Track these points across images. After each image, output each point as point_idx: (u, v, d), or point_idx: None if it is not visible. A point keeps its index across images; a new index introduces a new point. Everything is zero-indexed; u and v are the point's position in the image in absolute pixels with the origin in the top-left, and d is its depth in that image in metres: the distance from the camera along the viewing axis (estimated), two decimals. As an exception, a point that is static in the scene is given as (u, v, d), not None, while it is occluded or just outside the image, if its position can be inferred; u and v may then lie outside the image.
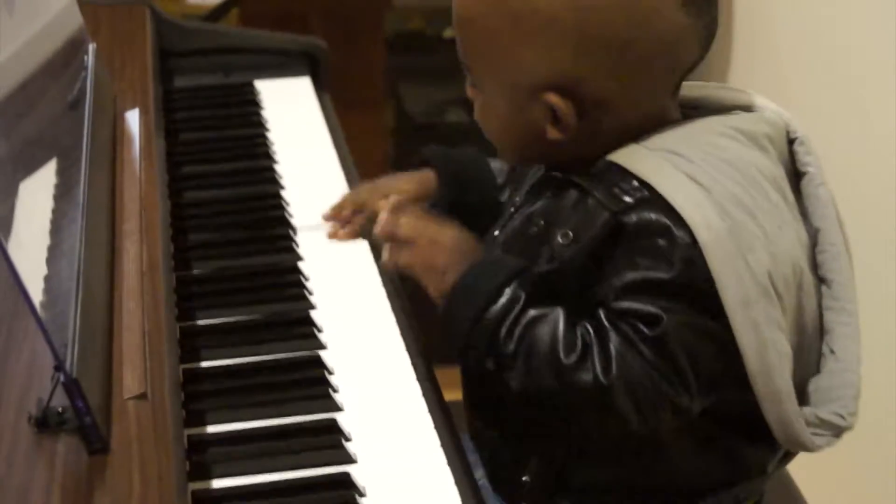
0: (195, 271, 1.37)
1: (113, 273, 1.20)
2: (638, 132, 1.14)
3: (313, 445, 1.13)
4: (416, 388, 1.21)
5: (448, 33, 2.93)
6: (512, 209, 1.24)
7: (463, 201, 1.35)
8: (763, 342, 1.09)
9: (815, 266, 1.18)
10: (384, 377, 1.22)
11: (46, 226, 1.12)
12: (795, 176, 1.20)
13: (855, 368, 1.17)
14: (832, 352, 1.17)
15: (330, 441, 1.13)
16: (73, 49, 1.44)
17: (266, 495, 1.08)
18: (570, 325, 1.09)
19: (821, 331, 1.18)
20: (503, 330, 1.10)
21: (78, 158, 1.27)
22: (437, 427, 1.15)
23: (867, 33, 1.98)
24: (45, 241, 1.10)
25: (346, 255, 1.41)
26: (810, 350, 1.17)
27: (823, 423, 1.14)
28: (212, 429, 1.14)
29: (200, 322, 1.29)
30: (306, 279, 1.36)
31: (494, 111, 1.18)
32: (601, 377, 1.07)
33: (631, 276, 1.09)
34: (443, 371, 1.28)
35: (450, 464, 1.12)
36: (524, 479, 1.18)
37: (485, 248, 1.20)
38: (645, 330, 1.07)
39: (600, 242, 1.10)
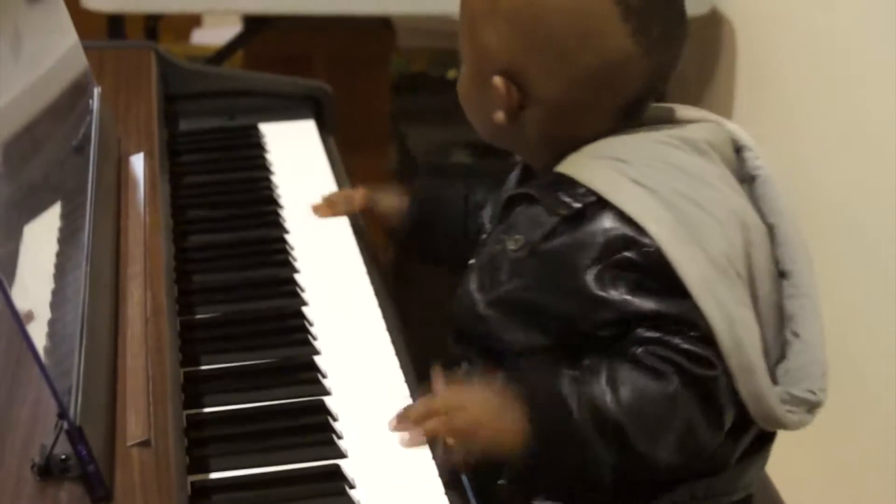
0: (199, 316, 1.37)
1: (117, 318, 1.20)
2: (583, 143, 1.23)
3: (317, 492, 1.12)
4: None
5: (452, 74, 2.94)
6: (484, 236, 1.31)
7: (426, 225, 1.48)
8: (731, 318, 1.14)
9: (774, 260, 1.24)
10: (386, 422, 1.21)
11: (50, 270, 1.12)
12: (747, 181, 1.27)
13: (820, 347, 1.23)
14: (796, 335, 1.22)
15: (334, 488, 1.12)
16: (78, 92, 1.45)
17: (270, 543, 1.07)
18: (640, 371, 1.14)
19: (782, 320, 1.23)
20: (599, 417, 1.13)
21: (82, 202, 1.26)
22: (442, 476, 1.15)
23: (867, 49, 1.98)
24: (50, 285, 1.10)
25: (351, 300, 1.41)
26: (770, 337, 1.21)
27: (796, 400, 1.19)
28: (215, 475, 1.13)
29: (204, 367, 1.28)
30: (311, 324, 1.36)
31: (464, 87, 1.29)
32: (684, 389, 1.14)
33: (635, 307, 1.15)
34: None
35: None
36: (500, 482, 1.20)
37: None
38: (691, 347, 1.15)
39: (555, 249, 1.19)
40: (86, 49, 1.54)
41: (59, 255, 1.15)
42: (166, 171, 1.60)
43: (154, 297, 1.23)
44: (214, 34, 3.27)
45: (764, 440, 1.25)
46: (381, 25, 2.75)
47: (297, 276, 1.45)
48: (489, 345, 1.25)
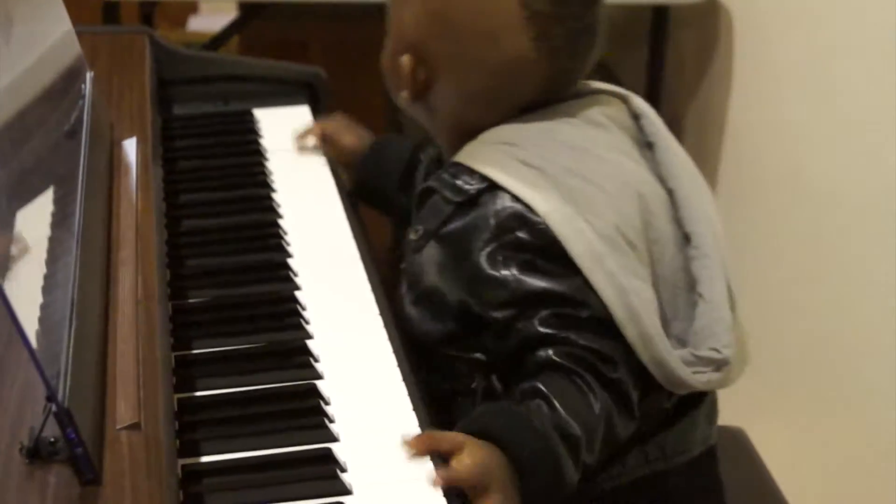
0: (191, 300, 1.36)
1: (108, 302, 1.20)
2: (484, 131, 1.28)
3: (308, 476, 1.11)
4: (412, 419, 1.20)
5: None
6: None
7: (374, 165, 1.58)
8: (622, 289, 1.17)
9: (678, 224, 1.27)
10: (381, 407, 1.21)
11: (42, 255, 1.12)
12: (649, 148, 1.32)
13: (723, 305, 1.24)
14: (701, 296, 1.24)
15: (325, 472, 1.12)
16: (70, 78, 1.44)
17: (260, 527, 1.07)
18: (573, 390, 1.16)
19: (692, 282, 1.25)
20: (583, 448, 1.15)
21: (74, 187, 1.26)
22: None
23: (865, 39, 1.98)
24: (41, 270, 1.09)
25: (344, 284, 1.41)
26: (681, 301, 1.24)
27: (701, 360, 1.21)
28: (206, 459, 1.13)
29: (196, 351, 1.28)
30: (303, 308, 1.35)
31: (385, 59, 1.35)
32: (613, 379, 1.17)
33: (530, 288, 1.18)
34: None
35: (446, 496, 1.11)
36: None
37: None
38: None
39: (451, 233, 1.23)
40: (79, 34, 1.53)
41: (51, 239, 1.15)
42: (159, 155, 1.60)
43: (145, 282, 1.22)
44: (211, 21, 3.27)
45: (700, 395, 1.28)
46: (377, 12, 2.74)
47: (290, 261, 1.44)
48: (415, 342, 1.29)
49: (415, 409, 1.21)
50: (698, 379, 1.21)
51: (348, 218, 1.56)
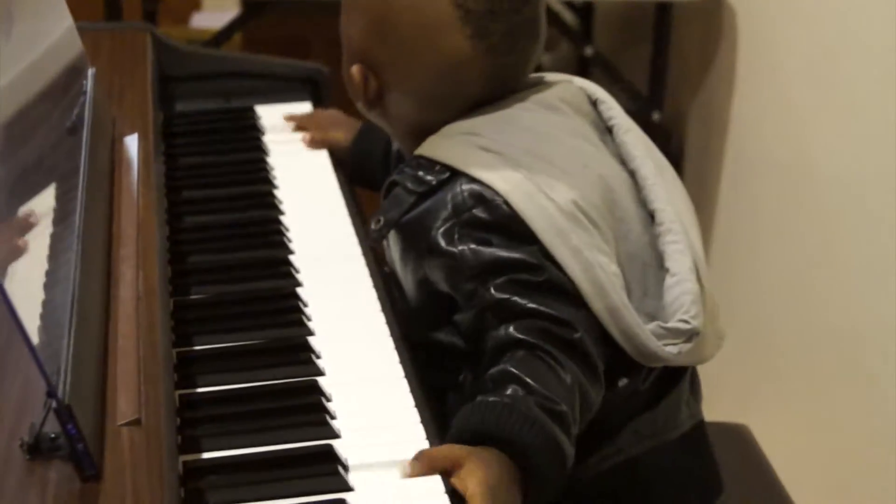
0: (192, 296, 1.36)
1: (109, 298, 1.19)
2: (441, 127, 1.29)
3: (310, 473, 1.11)
4: (414, 416, 1.19)
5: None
6: None
7: (363, 146, 1.63)
8: (587, 263, 1.19)
9: (642, 203, 1.29)
10: (382, 404, 1.21)
11: (44, 251, 1.12)
12: (608, 132, 1.34)
13: (689, 277, 1.25)
14: (668, 270, 1.26)
15: (327, 469, 1.11)
16: (72, 74, 1.44)
17: (261, 523, 1.07)
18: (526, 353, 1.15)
19: (659, 261, 1.27)
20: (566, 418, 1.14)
21: (75, 184, 1.26)
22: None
23: (868, 35, 1.97)
24: (43, 266, 1.09)
25: (346, 281, 1.41)
26: (650, 278, 1.26)
27: (670, 332, 1.22)
28: (207, 455, 1.12)
29: (198, 347, 1.28)
30: (305, 305, 1.35)
31: (343, 70, 1.37)
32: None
33: (485, 257, 1.19)
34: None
35: (448, 492, 1.10)
36: None
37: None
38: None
39: (411, 220, 1.25)
40: (81, 31, 1.53)
41: (51, 235, 1.15)
42: (161, 152, 1.60)
43: (146, 278, 1.22)
44: (214, 18, 3.27)
45: (680, 371, 1.29)
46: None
47: (291, 258, 1.44)
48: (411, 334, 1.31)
49: (416, 405, 1.21)
50: (669, 351, 1.22)
51: (350, 214, 1.55)
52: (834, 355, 2.10)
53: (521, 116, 1.29)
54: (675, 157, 2.69)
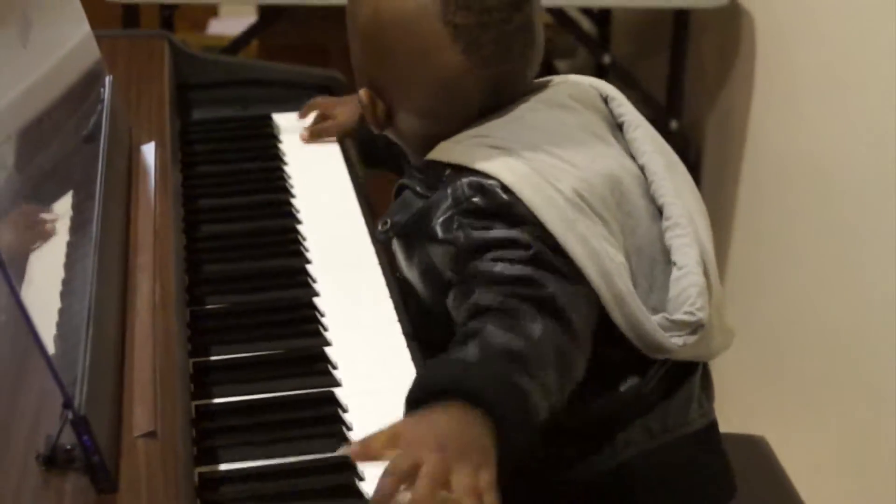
0: (209, 306, 1.36)
1: (125, 308, 1.19)
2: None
3: (326, 484, 1.11)
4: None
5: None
6: None
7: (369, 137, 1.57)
8: (595, 252, 1.19)
9: (651, 198, 1.30)
10: (399, 415, 1.20)
11: (60, 260, 1.11)
12: (620, 128, 1.35)
13: (695, 270, 1.25)
14: (675, 264, 1.26)
15: (343, 480, 1.11)
16: (89, 82, 1.44)
17: (278, 536, 1.06)
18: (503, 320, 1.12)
19: (667, 255, 1.27)
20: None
21: (92, 192, 1.26)
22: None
23: (885, 43, 1.97)
24: (60, 275, 1.09)
25: (362, 290, 1.40)
26: (658, 272, 1.26)
27: (676, 324, 1.22)
28: (223, 467, 1.12)
29: (214, 358, 1.27)
30: (322, 315, 1.35)
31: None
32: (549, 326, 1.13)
33: (477, 238, 1.19)
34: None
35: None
36: None
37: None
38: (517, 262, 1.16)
39: (415, 218, 1.25)
40: (98, 38, 1.53)
41: (68, 244, 1.14)
42: (178, 160, 1.59)
43: (163, 287, 1.22)
44: (231, 24, 3.27)
45: (690, 368, 1.28)
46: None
47: (308, 267, 1.44)
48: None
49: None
50: (674, 343, 1.22)
51: (367, 223, 1.55)
52: (853, 366, 2.09)
53: (528, 117, 1.30)
54: (693, 165, 2.68)
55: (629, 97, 1.40)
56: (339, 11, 2.65)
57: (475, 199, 1.22)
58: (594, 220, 1.22)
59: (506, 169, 1.22)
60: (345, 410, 1.20)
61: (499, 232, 1.19)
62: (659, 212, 1.29)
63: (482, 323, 1.12)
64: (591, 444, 1.23)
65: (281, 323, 1.34)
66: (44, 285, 1.03)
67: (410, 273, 1.30)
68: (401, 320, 1.34)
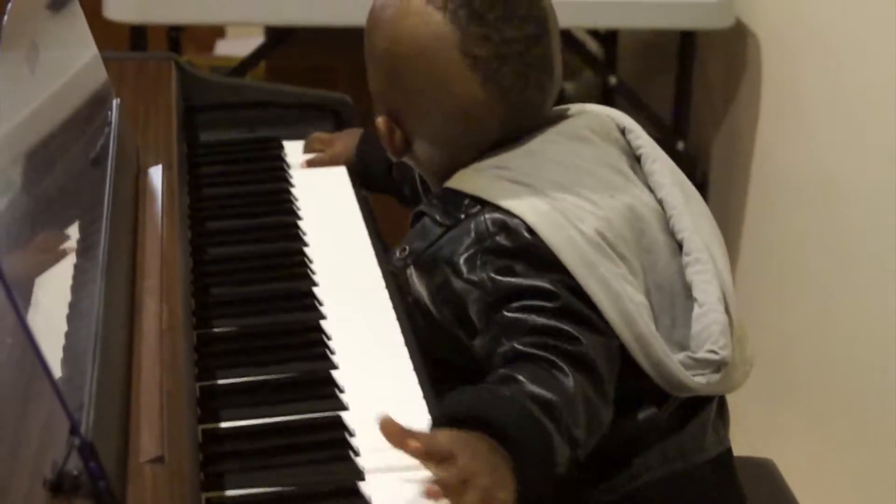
0: (216, 329, 1.36)
1: (132, 331, 1.19)
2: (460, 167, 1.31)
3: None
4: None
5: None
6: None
7: (367, 164, 1.68)
8: (615, 294, 1.19)
9: (670, 233, 1.29)
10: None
11: (67, 283, 1.11)
12: (638, 160, 1.35)
13: (717, 307, 1.25)
14: (696, 300, 1.26)
15: (351, 504, 1.11)
16: (96, 104, 1.44)
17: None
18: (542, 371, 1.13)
19: (687, 290, 1.27)
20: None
21: (99, 215, 1.25)
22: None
23: (890, 61, 1.97)
24: (66, 298, 1.09)
25: (369, 314, 1.40)
26: (679, 308, 1.26)
27: (699, 363, 1.22)
28: (231, 492, 1.11)
29: (221, 381, 1.27)
30: (329, 338, 1.34)
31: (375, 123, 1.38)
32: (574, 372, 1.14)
33: (504, 285, 1.19)
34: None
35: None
36: None
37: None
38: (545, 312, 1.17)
39: (435, 250, 1.25)
40: (105, 60, 1.53)
41: (75, 267, 1.14)
42: (185, 183, 1.59)
43: (170, 311, 1.22)
44: (238, 45, 3.27)
45: (706, 398, 1.28)
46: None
47: (315, 290, 1.43)
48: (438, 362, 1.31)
49: (441, 441, 1.19)
50: (698, 381, 1.22)
51: (374, 246, 1.55)
52: (861, 387, 2.08)
53: (548, 149, 1.30)
54: (700, 186, 2.67)
55: (635, 118, 1.40)
56: (346, 33, 2.65)
57: (498, 238, 1.22)
58: (615, 261, 1.22)
59: (528, 208, 1.22)
60: (352, 434, 1.19)
61: (525, 280, 1.19)
62: (679, 246, 1.29)
63: (514, 371, 1.13)
64: (608, 467, 1.23)
65: (288, 346, 1.33)
66: (50, 309, 1.03)
67: (427, 297, 1.30)
68: (407, 343, 1.34)
